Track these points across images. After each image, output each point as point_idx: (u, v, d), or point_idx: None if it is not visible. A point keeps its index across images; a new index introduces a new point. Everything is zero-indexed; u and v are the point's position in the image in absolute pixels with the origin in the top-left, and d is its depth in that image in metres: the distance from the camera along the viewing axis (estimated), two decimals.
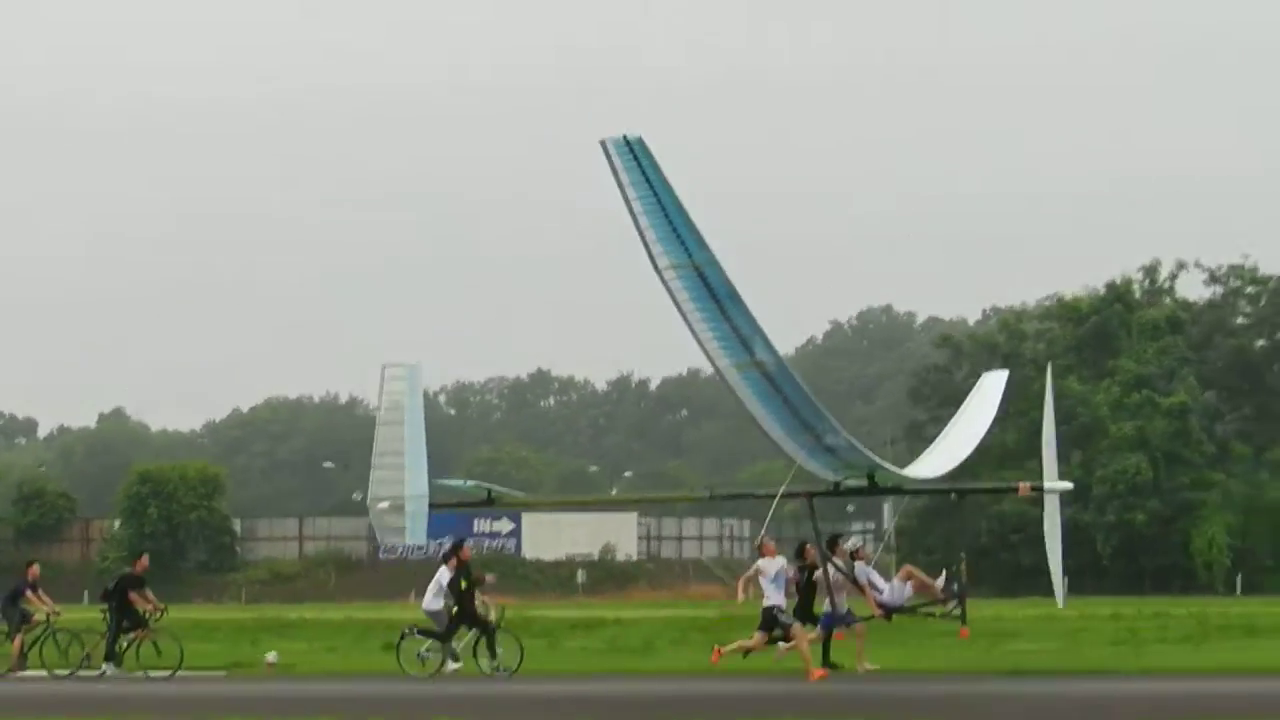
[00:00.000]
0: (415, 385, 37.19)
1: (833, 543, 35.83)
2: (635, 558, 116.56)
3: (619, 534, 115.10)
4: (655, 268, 26.30)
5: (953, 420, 44.36)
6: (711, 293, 26.67)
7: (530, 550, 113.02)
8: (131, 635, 38.44)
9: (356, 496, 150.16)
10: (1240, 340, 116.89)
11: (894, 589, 35.49)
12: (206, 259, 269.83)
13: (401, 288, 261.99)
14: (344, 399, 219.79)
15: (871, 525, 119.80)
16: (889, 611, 35.42)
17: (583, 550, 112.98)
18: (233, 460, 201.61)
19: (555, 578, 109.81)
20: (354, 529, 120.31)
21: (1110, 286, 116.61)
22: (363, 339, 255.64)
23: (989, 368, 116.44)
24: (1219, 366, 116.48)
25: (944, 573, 36.49)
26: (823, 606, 35.16)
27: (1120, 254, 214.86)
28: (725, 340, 27.71)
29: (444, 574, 37.14)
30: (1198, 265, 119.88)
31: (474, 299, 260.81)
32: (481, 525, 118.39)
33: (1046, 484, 35.28)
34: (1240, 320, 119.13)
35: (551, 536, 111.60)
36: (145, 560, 39.98)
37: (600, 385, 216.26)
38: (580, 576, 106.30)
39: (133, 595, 38.54)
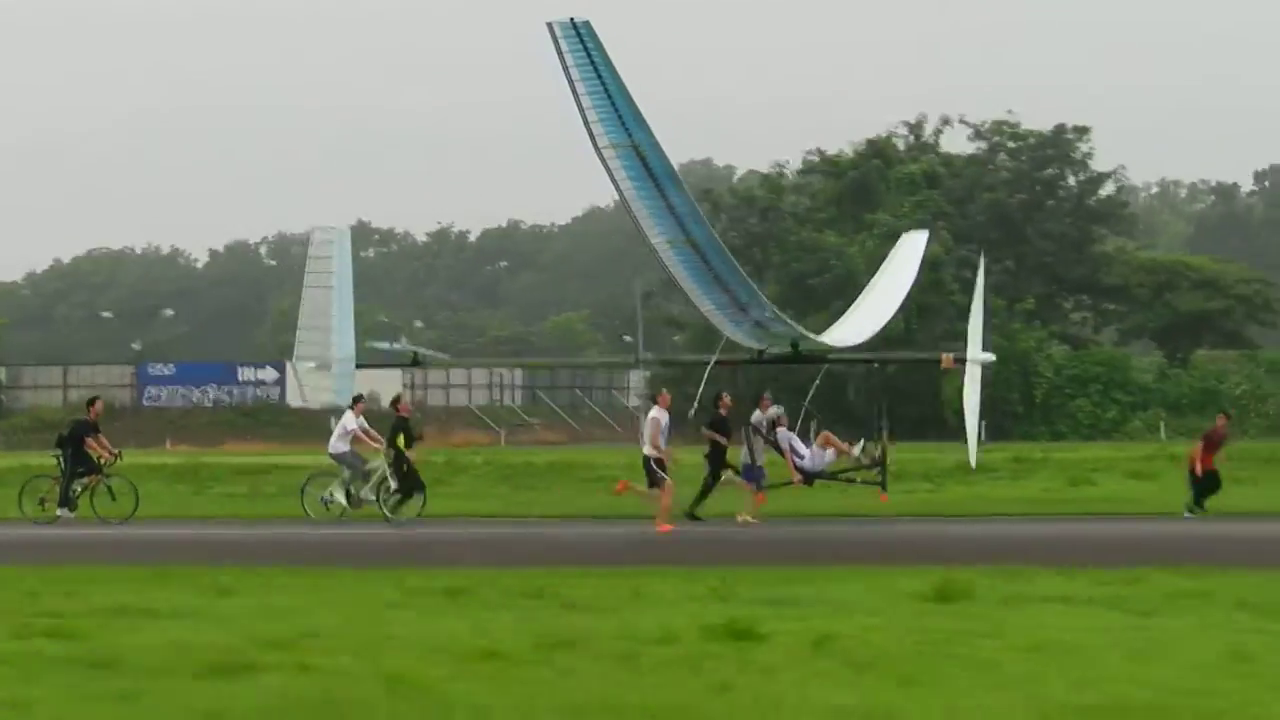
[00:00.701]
0: (343, 248, 38.10)
1: (760, 399, 37.14)
2: None
3: (384, 383, 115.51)
4: (595, 147, 27.25)
5: (871, 282, 45.96)
6: (649, 172, 27.81)
7: (294, 398, 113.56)
8: (85, 481, 38.35)
9: (135, 346, 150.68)
10: (998, 195, 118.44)
11: (814, 455, 36.44)
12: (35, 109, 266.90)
13: (221, 139, 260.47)
14: (166, 250, 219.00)
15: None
16: (809, 477, 36.46)
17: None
18: (54, 310, 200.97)
19: (316, 426, 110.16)
20: (119, 377, 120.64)
21: (871, 142, 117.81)
22: (187, 190, 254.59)
23: (747, 222, 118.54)
24: (979, 221, 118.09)
25: (861, 442, 37.49)
26: (740, 458, 36.28)
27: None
28: (660, 217, 28.93)
29: (349, 419, 38.25)
30: (962, 121, 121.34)
31: (295, 150, 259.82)
32: (246, 374, 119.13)
33: (970, 355, 36.82)
34: (1003, 175, 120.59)
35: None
36: (100, 405, 40.10)
37: (420, 237, 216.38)
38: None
39: (88, 441, 38.51)
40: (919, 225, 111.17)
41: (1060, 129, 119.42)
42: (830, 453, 36.50)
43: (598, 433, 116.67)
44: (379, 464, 37.68)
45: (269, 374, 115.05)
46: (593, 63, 25.85)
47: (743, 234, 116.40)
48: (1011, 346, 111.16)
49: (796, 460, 36.08)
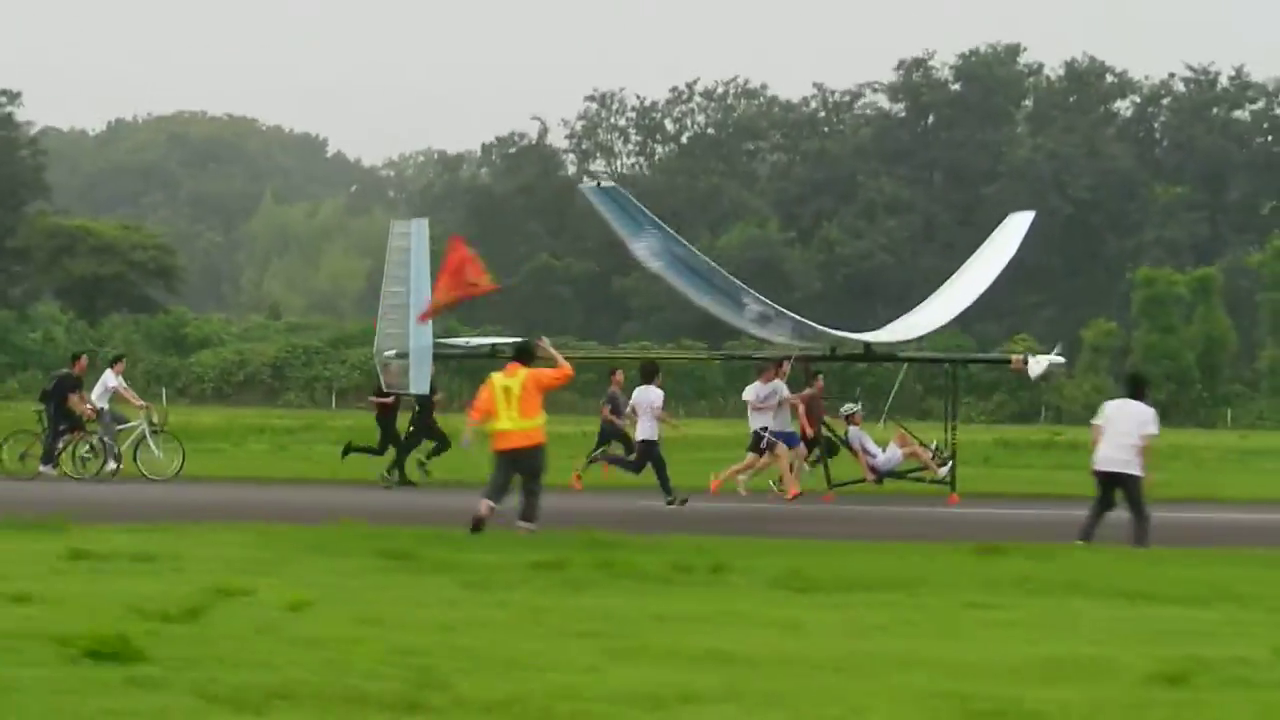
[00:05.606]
0: (420, 240, 36.63)
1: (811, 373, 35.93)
2: None
3: None
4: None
5: (964, 265, 43.54)
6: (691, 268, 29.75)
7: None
8: (67, 437, 37.43)
9: None
10: None
11: (888, 454, 35.92)
12: None
13: None
14: None
15: None
16: (881, 475, 35.78)
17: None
18: None
19: None
20: None
21: None
22: None
23: None
24: None
25: (934, 444, 36.21)
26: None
27: None
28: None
29: (109, 377, 37.94)
30: None
31: None
32: None
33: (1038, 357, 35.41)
34: None
35: None
36: (84, 361, 39.14)
37: None
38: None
39: (71, 397, 37.48)
40: None
41: None
42: (902, 451, 36.19)
43: None
44: (138, 423, 38.03)
45: None
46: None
47: None
48: None
49: (869, 459, 35.88)
